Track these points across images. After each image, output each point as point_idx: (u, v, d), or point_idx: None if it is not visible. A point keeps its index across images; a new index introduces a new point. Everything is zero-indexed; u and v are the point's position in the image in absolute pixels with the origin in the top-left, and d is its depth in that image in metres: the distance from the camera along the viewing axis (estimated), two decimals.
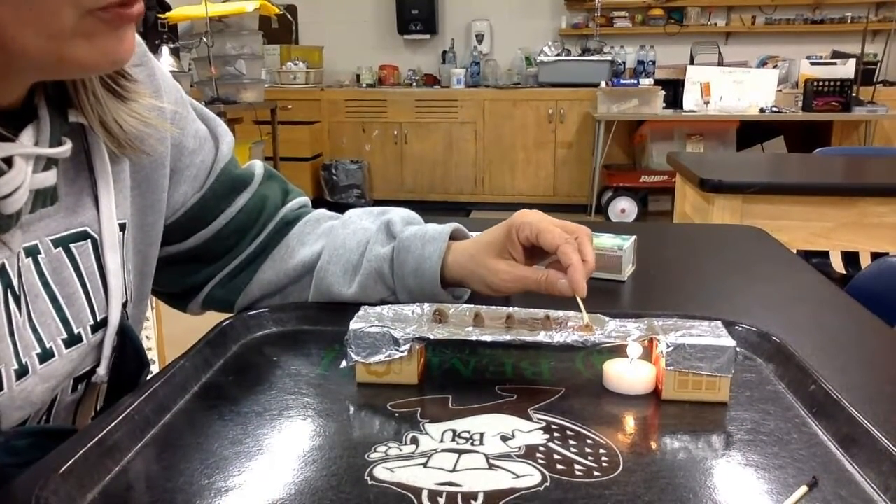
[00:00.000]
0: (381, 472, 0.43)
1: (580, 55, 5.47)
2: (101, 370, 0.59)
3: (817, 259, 2.27)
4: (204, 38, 3.45)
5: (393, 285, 0.70)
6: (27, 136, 0.51)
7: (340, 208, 0.79)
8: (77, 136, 0.56)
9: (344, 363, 0.56)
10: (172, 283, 0.73)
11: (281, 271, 0.74)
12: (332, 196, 5.45)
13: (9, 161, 0.49)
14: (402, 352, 0.55)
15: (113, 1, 0.45)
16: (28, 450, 0.51)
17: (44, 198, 0.54)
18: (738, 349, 0.53)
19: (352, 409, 0.53)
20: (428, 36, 5.82)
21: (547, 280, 0.63)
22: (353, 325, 0.56)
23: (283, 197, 0.78)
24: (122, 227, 0.61)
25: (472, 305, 0.62)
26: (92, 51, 0.47)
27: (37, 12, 0.43)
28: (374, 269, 0.70)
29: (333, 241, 0.73)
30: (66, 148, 0.53)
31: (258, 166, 0.77)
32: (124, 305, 0.61)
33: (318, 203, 0.80)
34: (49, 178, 0.53)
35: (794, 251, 1.48)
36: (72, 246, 0.57)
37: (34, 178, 0.51)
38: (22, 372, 0.52)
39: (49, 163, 0.53)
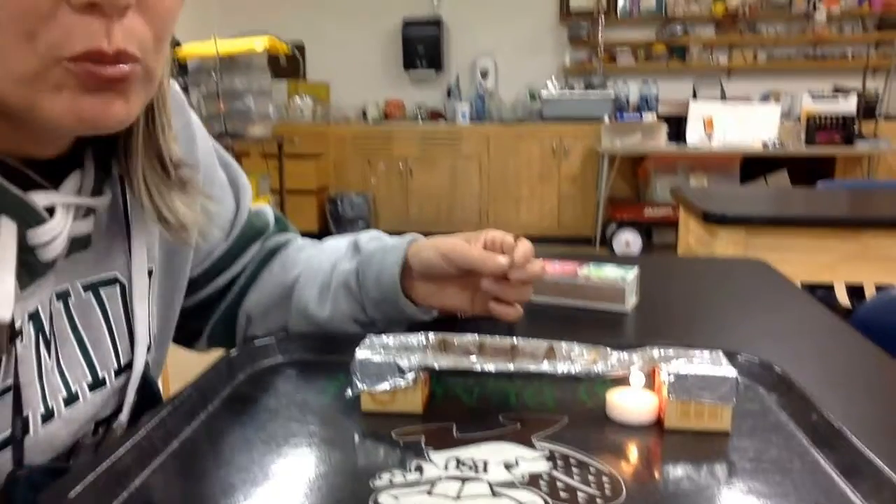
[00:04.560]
0: (385, 500, 0.44)
1: (584, 90, 5.54)
2: (123, 417, 0.59)
3: (822, 292, 2.26)
4: (213, 75, 3.51)
5: (360, 298, 0.72)
6: (70, 184, 0.52)
7: None
8: (115, 184, 0.57)
9: (349, 392, 0.57)
10: (179, 329, 0.73)
11: (263, 295, 0.75)
12: (337, 229, 5.48)
13: (51, 209, 0.49)
14: (406, 381, 0.55)
15: (77, 52, 0.42)
16: (49, 486, 0.51)
17: (78, 244, 0.54)
18: (740, 379, 0.53)
19: (357, 437, 0.53)
20: (433, 71, 5.91)
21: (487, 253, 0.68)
22: (359, 354, 0.57)
23: (277, 233, 0.80)
24: (149, 273, 0.61)
25: (475, 336, 0.62)
26: (57, 105, 0.44)
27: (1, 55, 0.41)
28: (342, 284, 0.72)
29: (309, 264, 0.76)
30: (105, 198, 0.54)
31: (270, 215, 0.80)
32: (147, 350, 0.61)
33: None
34: (86, 225, 0.53)
35: (799, 284, 1.49)
36: (101, 290, 0.57)
37: (72, 225, 0.51)
38: (48, 415, 0.52)
39: (88, 211, 0.53)
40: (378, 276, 0.70)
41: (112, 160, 0.55)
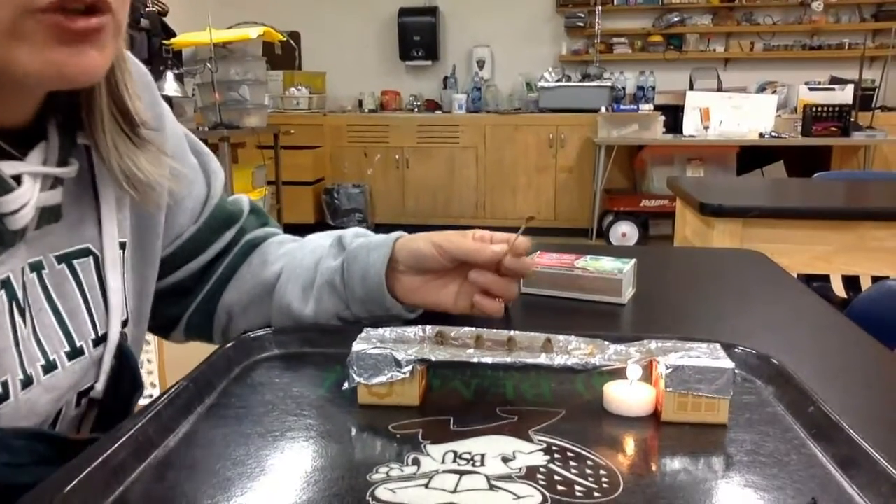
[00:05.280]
0: (382, 493, 0.44)
1: (580, 81, 5.52)
2: (99, 385, 0.60)
3: (818, 283, 2.27)
4: (208, 64, 3.49)
5: (345, 296, 0.71)
6: (36, 155, 0.53)
7: None
8: (82, 156, 0.58)
9: (346, 385, 0.57)
10: (154, 314, 0.73)
11: (243, 291, 0.75)
12: (333, 220, 5.48)
13: (18, 178, 0.50)
14: (403, 373, 0.55)
15: (52, 3, 0.43)
16: (22, 450, 0.52)
17: (48, 215, 0.55)
18: (737, 371, 0.53)
19: (353, 430, 0.53)
20: (430, 62, 5.89)
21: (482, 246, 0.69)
22: (356, 346, 0.56)
23: (258, 227, 0.80)
24: (122, 246, 0.62)
25: (473, 328, 0.62)
26: (34, 58, 0.45)
27: None
28: (326, 282, 0.72)
29: (291, 261, 0.75)
30: (72, 168, 0.55)
31: (245, 203, 0.80)
32: (124, 324, 0.62)
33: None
34: (55, 196, 0.54)
35: (795, 275, 1.49)
36: (74, 262, 0.58)
37: (40, 195, 0.52)
38: (27, 382, 0.53)
39: (56, 182, 0.54)
40: (363, 274, 0.70)
41: (77, 131, 0.56)
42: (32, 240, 0.54)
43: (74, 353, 0.57)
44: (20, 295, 0.53)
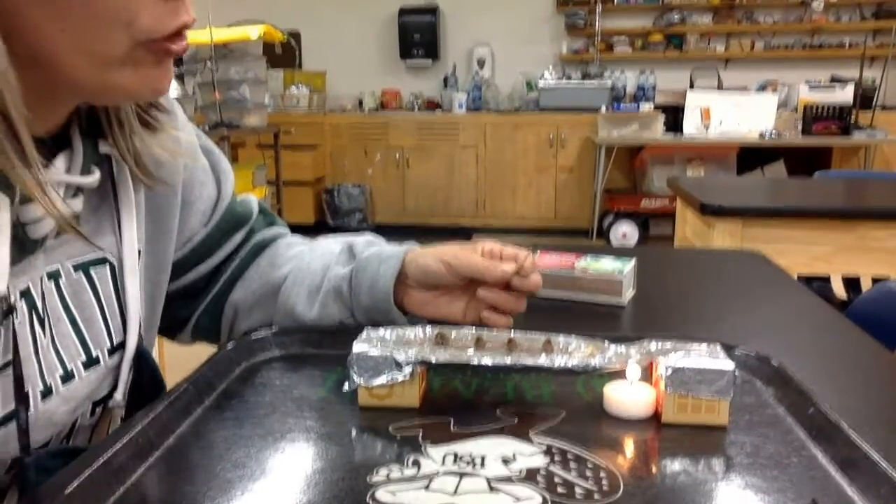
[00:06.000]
0: (382, 495, 0.44)
1: (581, 80, 5.52)
2: (118, 395, 0.60)
3: (818, 283, 2.27)
4: (208, 63, 3.49)
5: (351, 304, 0.71)
6: (60, 163, 0.53)
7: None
8: (104, 164, 0.58)
9: (346, 386, 0.57)
10: (163, 317, 0.73)
11: (250, 291, 0.75)
12: (333, 220, 5.47)
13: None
14: (404, 375, 0.55)
15: (163, 34, 0.48)
16: (59, 470, 0.52)
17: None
18: (737, 372, 0.53)
19: (354, 431, 0.53)
20: (430, 61, 5.88)
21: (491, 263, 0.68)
22: (356, 348, 0.56)
23: (266, 226, 0.80)
24: (138, 254, 0.62)
25: (473, 329, 0.62)
26: (137, 79, 0.49)
27: (92, 39, 0.46)
28: (333, 288, 0.72)
29: (299, 264, 0.75)
30: (95, 178, 0.55)
31: (254, 204, 0.80)
32: (139, 326, 0.62)
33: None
34: (76, 204, 0.55)
35: (795, 275, 1.49)
36: (91, 270, 0.58)
37: (62, 204, 0.52)
38: (46, 392, 0.53)
39: (77, 190, 0.55)
40: (372, 285, 0.70)
41: (99, 140, 0.56)
42: (50, 248, 0.54)
43: (90, 362, 0.57)
44: (39, 304, 0.53)
